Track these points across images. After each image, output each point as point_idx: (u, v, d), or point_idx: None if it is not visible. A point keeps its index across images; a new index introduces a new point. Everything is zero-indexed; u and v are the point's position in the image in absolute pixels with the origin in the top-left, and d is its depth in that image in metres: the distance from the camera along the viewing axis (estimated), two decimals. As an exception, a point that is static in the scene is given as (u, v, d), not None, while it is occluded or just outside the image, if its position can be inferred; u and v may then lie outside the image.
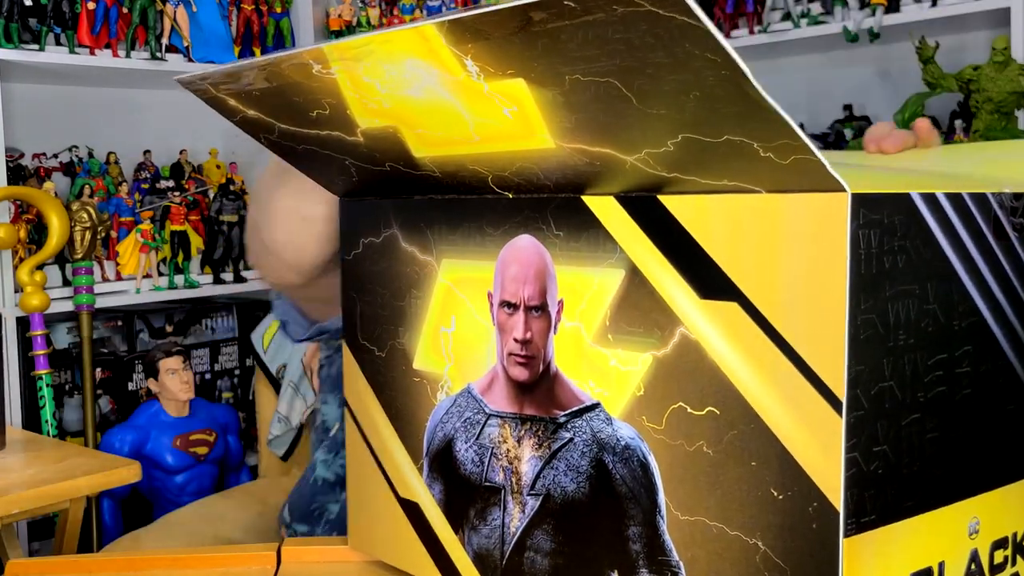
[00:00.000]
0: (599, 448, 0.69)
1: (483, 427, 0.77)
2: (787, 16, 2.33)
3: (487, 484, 0.77)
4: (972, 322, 0.61)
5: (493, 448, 0.77)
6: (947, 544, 0.61)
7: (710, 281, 0.60)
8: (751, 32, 2.38)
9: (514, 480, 0.75)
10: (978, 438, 0.62)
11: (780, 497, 0.58)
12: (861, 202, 0.54)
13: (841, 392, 0.55)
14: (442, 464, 0.81)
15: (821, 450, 0.56)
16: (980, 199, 0.62)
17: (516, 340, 0.73)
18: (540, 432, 0.73)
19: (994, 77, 1.91)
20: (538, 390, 0.72)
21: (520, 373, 0.73)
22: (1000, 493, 0.64)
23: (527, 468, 0.74)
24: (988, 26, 2.15)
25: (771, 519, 0.59)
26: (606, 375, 0.68)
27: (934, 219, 0.58)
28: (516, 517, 0.75)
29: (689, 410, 0.62)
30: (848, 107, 2.48)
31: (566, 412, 0.70)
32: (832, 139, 2.47)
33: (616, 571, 0.68)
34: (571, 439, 0.71)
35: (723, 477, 0.61)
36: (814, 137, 2.52)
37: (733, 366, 0.60)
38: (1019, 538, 0.66)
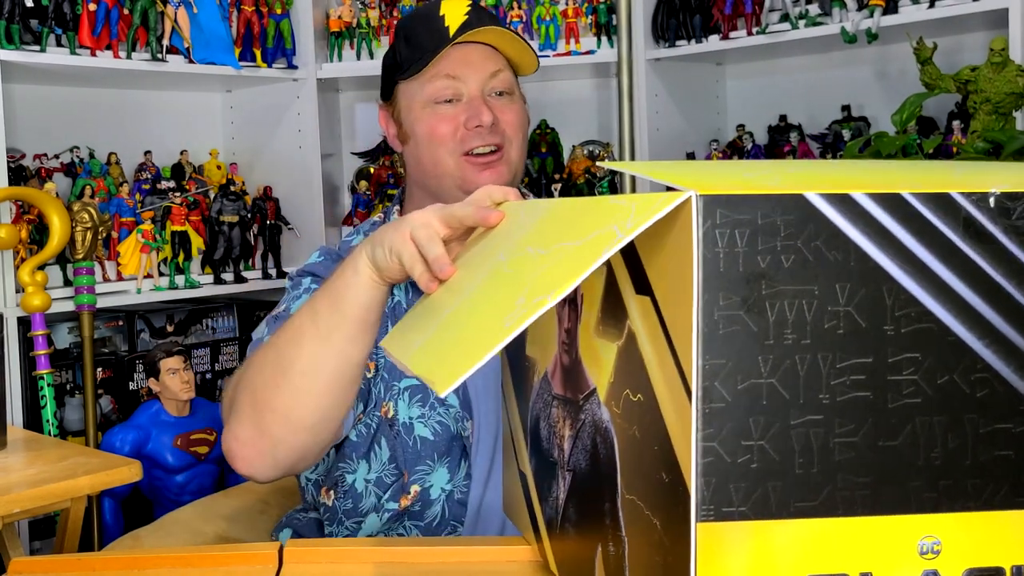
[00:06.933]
0: (595, 430, 0.72)
1: (551, 408, 0.82)
2: (785, 17, 2.34)
3: (551, 460, 0.82)
4: (920, 328, 0.58)
5: (553, 427, 0.81)
6: (880, 556, 0.58)
7: (639, 277, 0.62)
8: (749, 33, 2.39)
9: (561, 457, 0.79)
10: (938, 453, 0.59)
11: (667, 480, 0.59)
12: (716, 202, 0.55)
13: (692, 381, 0.56)
14: (534, 441, 0.86)
15: (683, 437, 0.57)
16: (940, 200, 0.58)
17: (564, 330, 0.78)
18: (572, 413, 0.77)
19: (992, 78, 1.91)
20: (571, 375, 0.77)
21: (566, 359, 0.78)
22: (986, 517, 0.59)
23: (567, 445, 0.78)
24: (986, 27, 2.15)
25: (662, 500, 0.60)
26: (599, 363, 0.70)
27: (848, 220, 0.57)
28: (562, 490, 0.80)
29: (631, 396, 0.65)
30: (846, 108, 2.48)
31: (583, 395, 0.74)
32: (830, 139, 2.48)
33: (599, 544, 0.71)
34: (584, 420, 0.74)
35: (643, 459, 0.63)
36: (812, 138, 2.53)
37: (648, 355, 0.62)
38: None
